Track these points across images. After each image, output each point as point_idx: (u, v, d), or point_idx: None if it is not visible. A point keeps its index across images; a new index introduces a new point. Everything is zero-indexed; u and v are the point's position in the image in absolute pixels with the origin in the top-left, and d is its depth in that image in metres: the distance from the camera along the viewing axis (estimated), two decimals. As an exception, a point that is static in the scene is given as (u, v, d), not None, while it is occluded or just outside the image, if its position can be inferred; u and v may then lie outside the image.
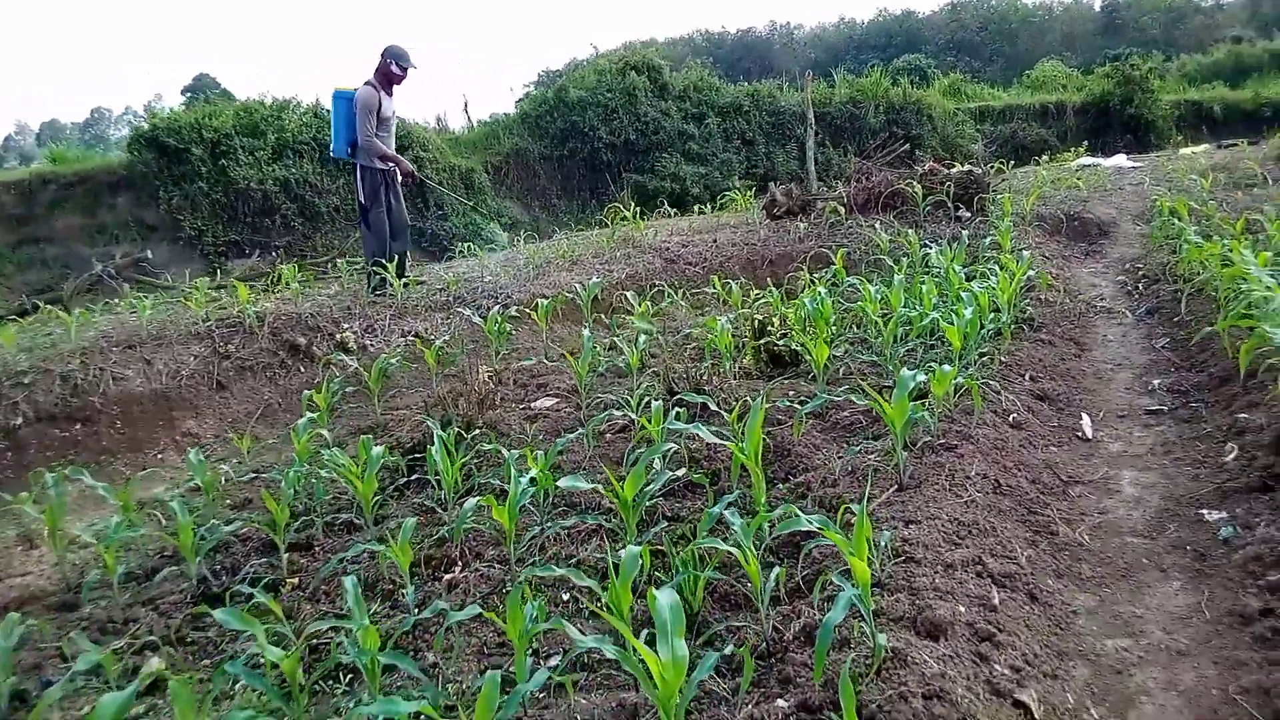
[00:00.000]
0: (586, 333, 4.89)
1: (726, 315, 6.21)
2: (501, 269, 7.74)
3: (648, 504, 3.57)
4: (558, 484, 3.04)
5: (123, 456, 5.49)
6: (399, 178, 7.83)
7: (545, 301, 6.03)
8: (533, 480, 3.41)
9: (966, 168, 8.45)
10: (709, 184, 20.07)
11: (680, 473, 3.35)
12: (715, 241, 8.03)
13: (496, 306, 6.61)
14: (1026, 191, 9.25)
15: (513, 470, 3.43)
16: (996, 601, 2.48)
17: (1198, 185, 9.47)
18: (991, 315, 5.20)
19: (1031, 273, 5.91)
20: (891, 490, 3.19)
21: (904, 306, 5.21)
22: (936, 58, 38.86)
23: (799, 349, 4.59)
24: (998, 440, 3.67)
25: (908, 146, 9.81)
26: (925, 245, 7.18)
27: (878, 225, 7.97)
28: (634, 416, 4.08)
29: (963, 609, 2.38)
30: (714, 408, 3.92)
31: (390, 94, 7.77)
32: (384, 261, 7.41)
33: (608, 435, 4.55)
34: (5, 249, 18.10)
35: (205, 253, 16.93)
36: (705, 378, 4.54)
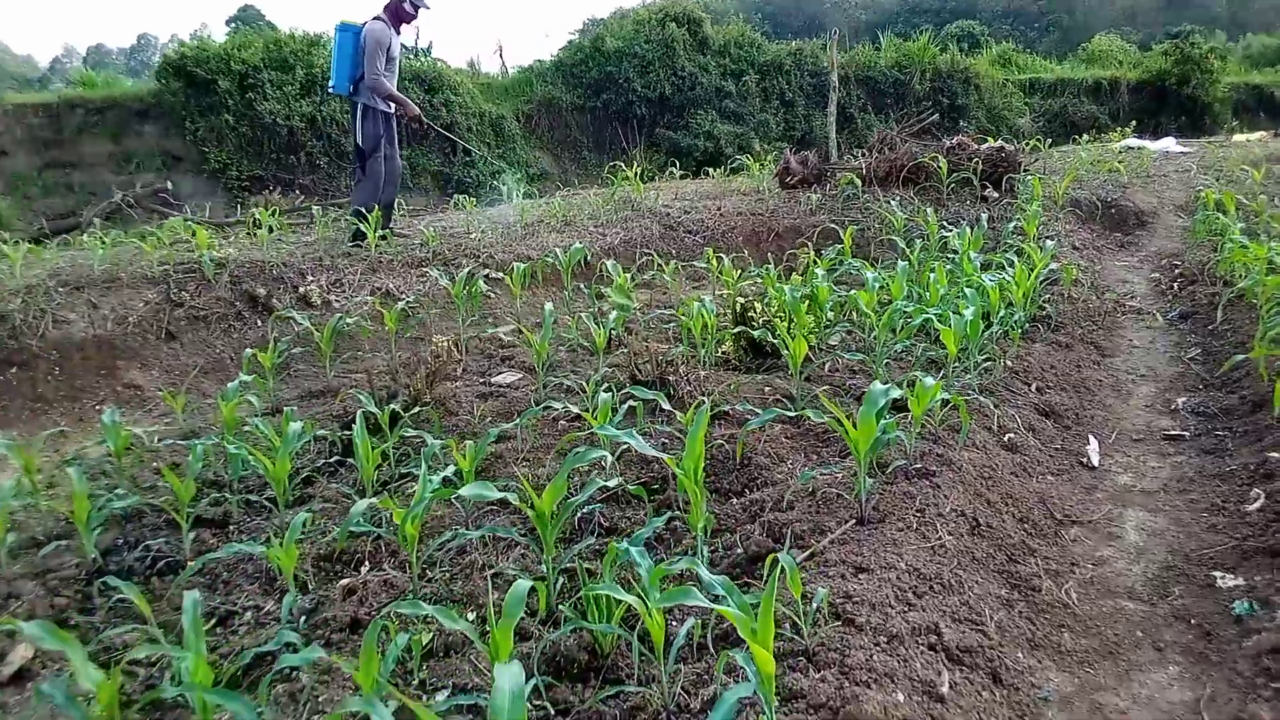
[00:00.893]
0: (549, 306, 4.43)
1: (712, 293, 5.76)
2: (490, 226, 7.27)
3: (585, 511, 3.19)
4: (459, 493, 2.61)
5: (59, 406, 5.13)
6: (400, 121, 7.39)
7: (521, 265, 5.57)
8: (446, 480, 3.00)
9: (998, 144, 7.81)
10: (744, 144, 19.45)
11: (613, 482, 2.92)
12: (720, 209, 7.49)
13: (470, 267, 6.17)
14: (1062, 173, 8.62)
15: (424, 467, 3.03)
16: (946, 688, 2.03)
17: (1249, 177, 8.78)
18: (1003, 312, 4.69)
19: (1054, 265, 5.36)
20: (849, 525, 2.73)
21: (906, 298, 4.71)
22: (991, 25, 37.55)
23: (776, 343, 4.11)
24: (986, 466, 3.19)
25: (936, 116, 9.14)
26: (944, 226, 6.62)
27: (897, 201, 7.41)
28: (582, 409, 3.65)
29: (901, 698, 1.94)
30: (668, 406, 3.46)
31: (399, 32, 7.35)
32: (366, 213, 7.02)
33: (561, 423, 4.13)
34: (31, 172, 18.08)
35: (229, 186, 16.85)
36: (676, 366, 4.08)
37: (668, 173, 10.96)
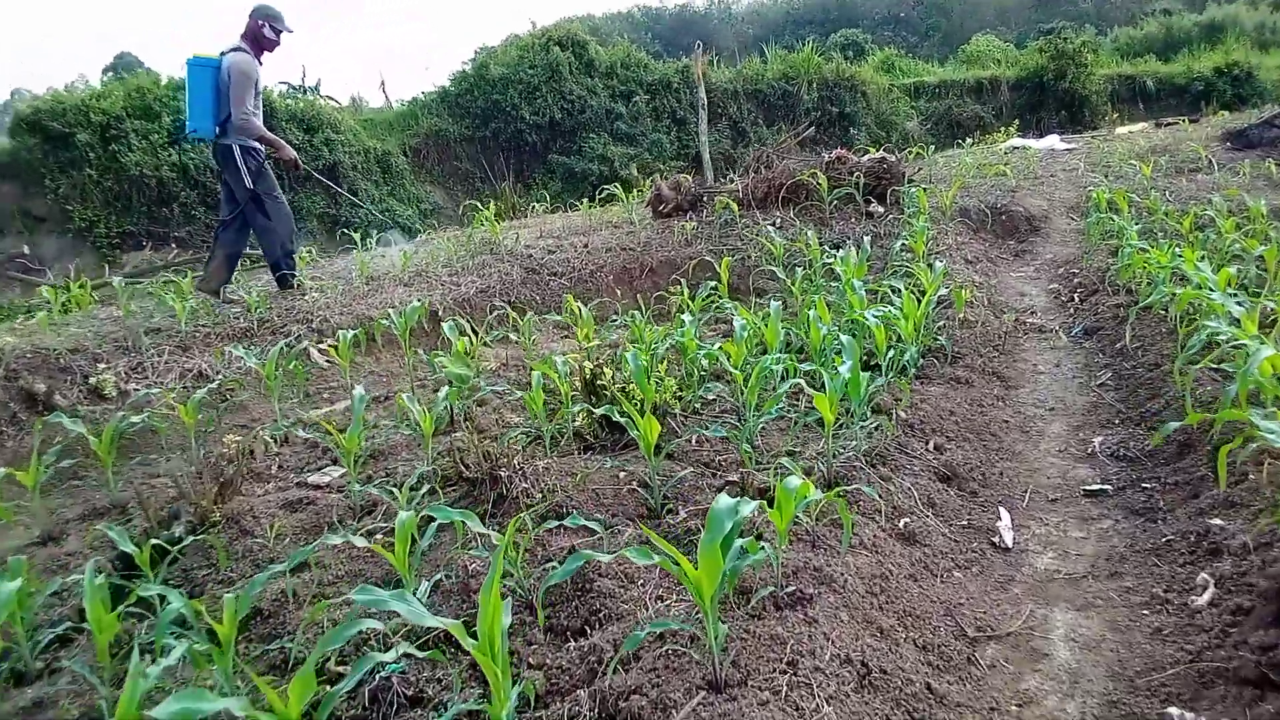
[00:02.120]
0: (359, 391, 3.66)
1: (577, 348, 5.07)
2: (328, 284, 6.44)
3: (383, 674, 2.47)
4: (148, 716, 1.84)
5: None
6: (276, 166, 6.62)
7: (349, 333, 4.77)
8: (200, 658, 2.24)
9: (879, 154, 7.32)
10: (640, 165, 19.22)
11: (389, 657, 2.18)
12: (588, 246, 6.79)
13: (296, 335, 5.35)
14: (949, 180, 8.21)
15: (135, 661, 2.24)
16: None
17: (1137, 171, 8.49)
18: (891, 352, 4.11)
19: (944, 291, 4.81)
20: (699, 697, 2.04)
21: (783, 345, 4.10)
22: (874, 33, 38.10)
23: (624, 419, 3.42)
24: (877, 576, 2.54)
25: (813, 130, 8.64)
26: (827, 249, 6.06)
27: (777, 224, 6.85)
28: (375, 537, 2.90)
29: None
30: (481, 529, 2.73)
31: (261, 63, 6.51)
32: (291, 255, 6.41)
33: (378, 536, 3.37)
34: None
35: (98, 245, 15.66)
36: (509, 457, 3.35)
37: (531, 208, 10.27)
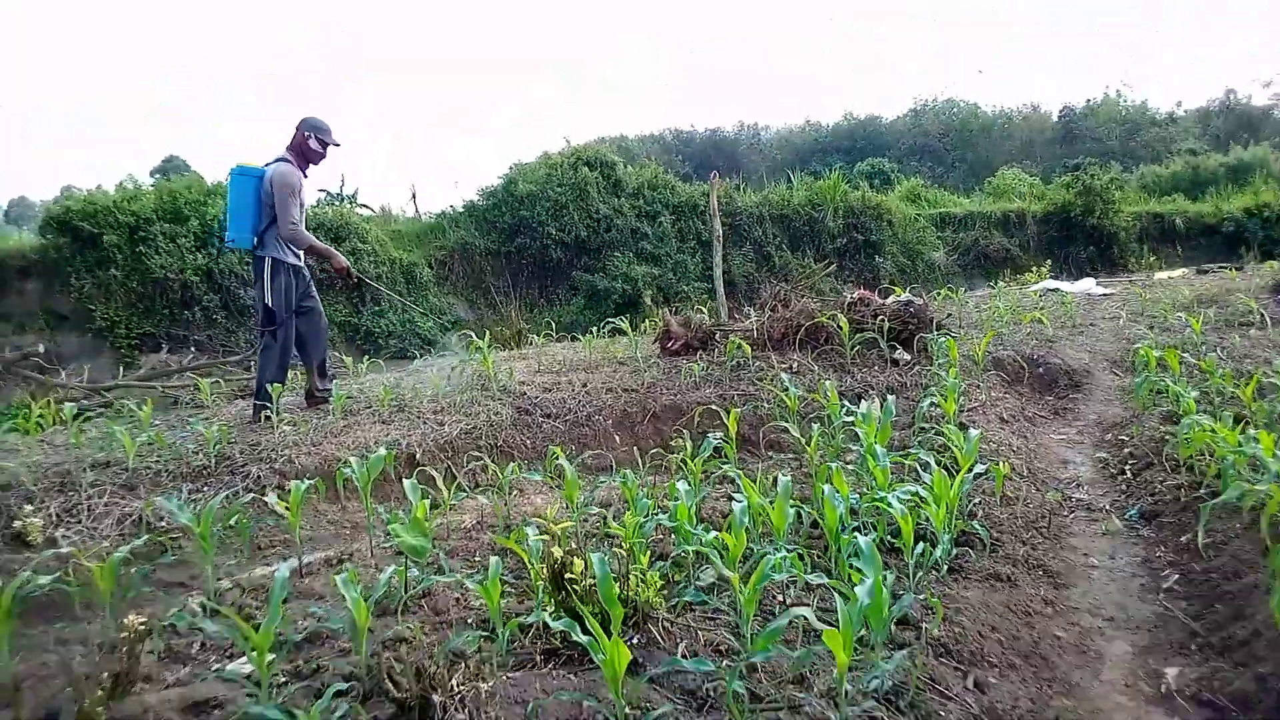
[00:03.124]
0: (282, 572, 3.05)
1: (559, 508, 4.47)
2: (299, 418, 5.92)
3: None
4: None
5: None
6: (327, 275, 6.37)
7: (301, 484, 4.19)
8: None
9: (905, 297, 6.82)
10: (662, 285, 19.38)
11: None
12: (586, 386, 6.26)
13: (246, 483, 4.78)
14: (980, 326, 7.68)
15: None
16: None
17: (1185, 324, 7.93)
18: (920, 545, 3.48)
19: (980, 468, 4.19)
20: None
21: (791, 533, 3.49)
22: (900, 161, 38.53)
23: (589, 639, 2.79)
24: None
25: (834, 265, 8.17)
26: (847, 401, 5.47)
27: (793, 368, 6.31)
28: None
29: None
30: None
31: (306, 175, 6.43)
32: (269, 385, 6.02)
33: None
34: None
35: (117, 345, 15.66)
36: (444, 679, 2.72)
37: (530, 339, 9.82)
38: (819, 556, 3.70)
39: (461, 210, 21.22)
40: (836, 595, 2.60)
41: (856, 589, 2.48)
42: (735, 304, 13.80)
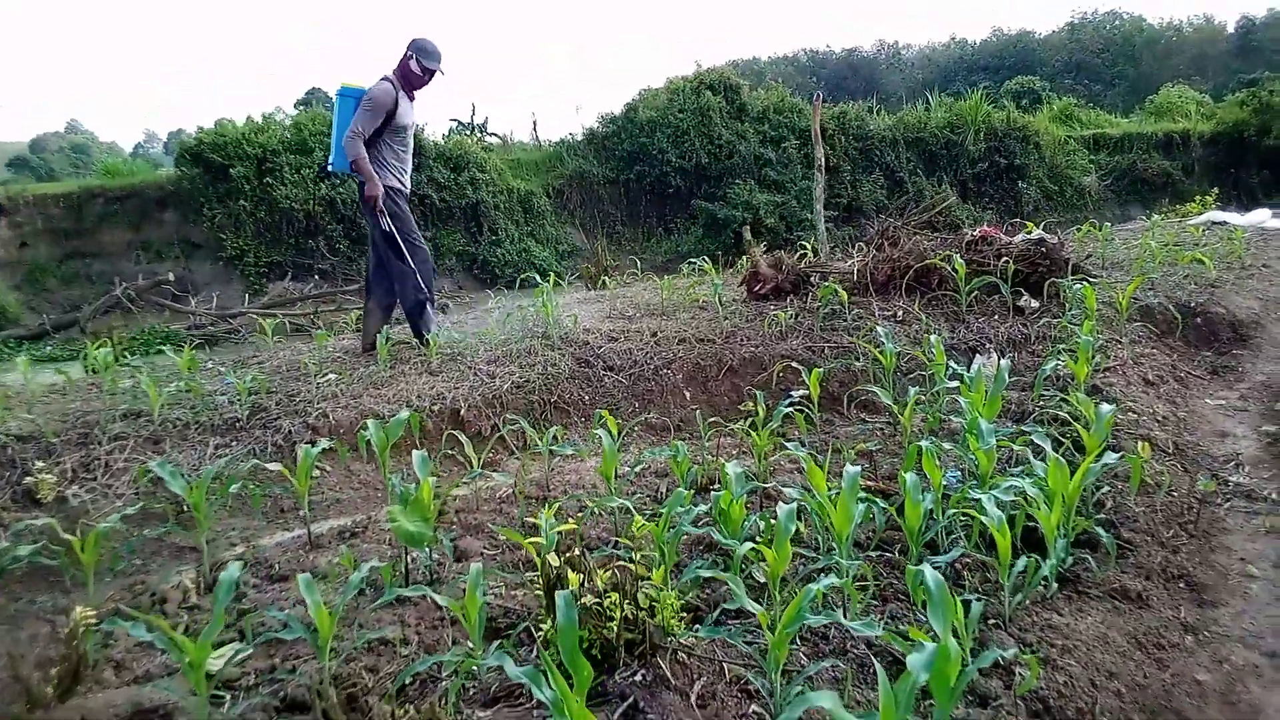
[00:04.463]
0: (230, 574, 2.59)
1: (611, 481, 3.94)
2: (340, 366, 5.51)
3: None
4: None
5: None
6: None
7: (312, 449, 3.76)
8: None
9: (1036, 234, 5.84)
10: (785, 213, 18.46)
11: None
12: (656, 335, 5.61)
13: (282, 434, 4.41)
14: (1126, 266, 6.62)
15: None
16: None
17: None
18: (1020, 562, 2.77)
19: (1112, 457, 3.36)
20: None
21: (849, 544, 2.84)
22: (1053, 80, 35.68)
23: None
24: None
25: (953, 200, 7.18)
26: (954, 364, 4.66)
27: (898, 316, 5.52)
28: None
29: None
30: None
31: (411, 98, 6.14)
32: (430, 301, 5.92)
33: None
34: (51, 263, 18.01)
35: (245, 273, 16.34)
36: (406, 710, 2.23)
37: (611, 278, 9.17)
38: (894, 574, 3.02)
39: (581, 138, 20.80)
40: (885, 652, 1.94)
41: (911, 658, 1.81)
42: (858, 234, 12.83)
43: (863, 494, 3.06)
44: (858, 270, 5.80)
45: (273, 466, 3.85)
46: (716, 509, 2.94)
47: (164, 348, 7.50)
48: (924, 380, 4.75)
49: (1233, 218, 10.89)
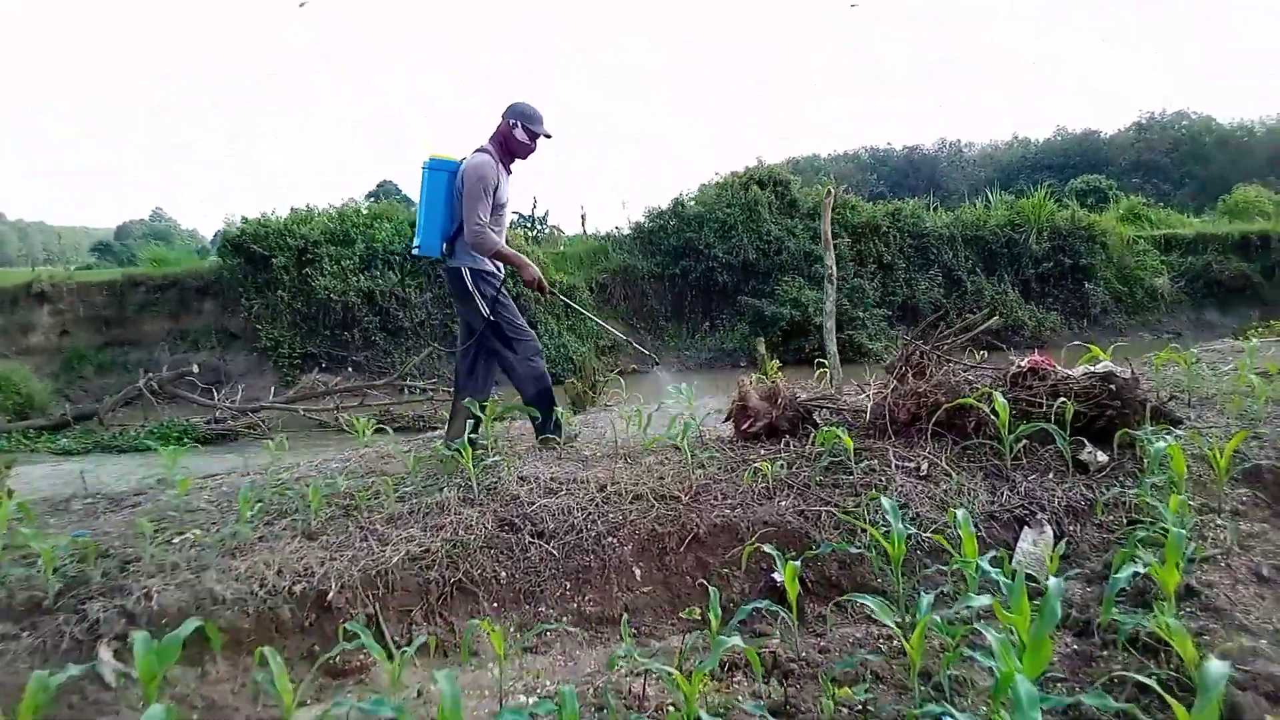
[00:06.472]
0: None
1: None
2: (197, 529, 4.32)
3: None
4: None
5: None
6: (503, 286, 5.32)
7: (142, 642, 2.59)
8: None
9: (1103, 365, 4.55)
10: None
11: None
12: (604, 488, 4.37)
13: (80, 625, 3.29)
14: (1216, 402, 5.27)
15: None
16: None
17: None
18: None
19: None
20: None
21: None
22: (1119, 179, 34.59)
23: None
24: None
25: (998, 320, 5.96)
26: (994, 529, 3.36)
27: (920, 470, 4.27)
28: None
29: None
30: None
31: (509, 170, 5.33)
32: (549, 395, 5.27)
33: None
34: (90, 351, 18.10)
35: (279, 364, 16.29)
36: None
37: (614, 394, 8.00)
38: None
39: (628, 232, 20.84)
40: None
41: None
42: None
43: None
44: (873, 406, 4.57)
45: (105, 663, 2.70)
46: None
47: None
48: (949, 572, 3.48)
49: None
